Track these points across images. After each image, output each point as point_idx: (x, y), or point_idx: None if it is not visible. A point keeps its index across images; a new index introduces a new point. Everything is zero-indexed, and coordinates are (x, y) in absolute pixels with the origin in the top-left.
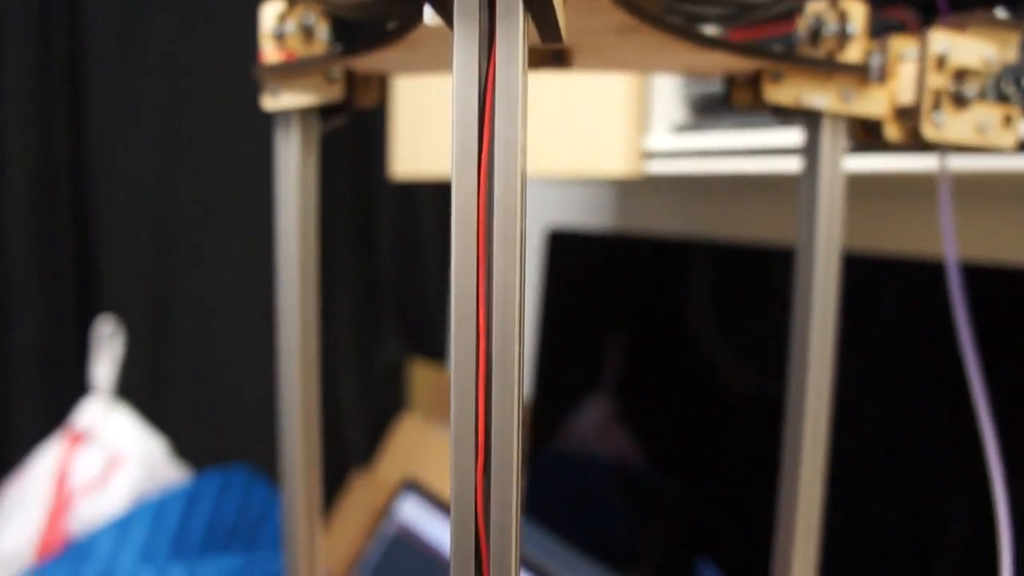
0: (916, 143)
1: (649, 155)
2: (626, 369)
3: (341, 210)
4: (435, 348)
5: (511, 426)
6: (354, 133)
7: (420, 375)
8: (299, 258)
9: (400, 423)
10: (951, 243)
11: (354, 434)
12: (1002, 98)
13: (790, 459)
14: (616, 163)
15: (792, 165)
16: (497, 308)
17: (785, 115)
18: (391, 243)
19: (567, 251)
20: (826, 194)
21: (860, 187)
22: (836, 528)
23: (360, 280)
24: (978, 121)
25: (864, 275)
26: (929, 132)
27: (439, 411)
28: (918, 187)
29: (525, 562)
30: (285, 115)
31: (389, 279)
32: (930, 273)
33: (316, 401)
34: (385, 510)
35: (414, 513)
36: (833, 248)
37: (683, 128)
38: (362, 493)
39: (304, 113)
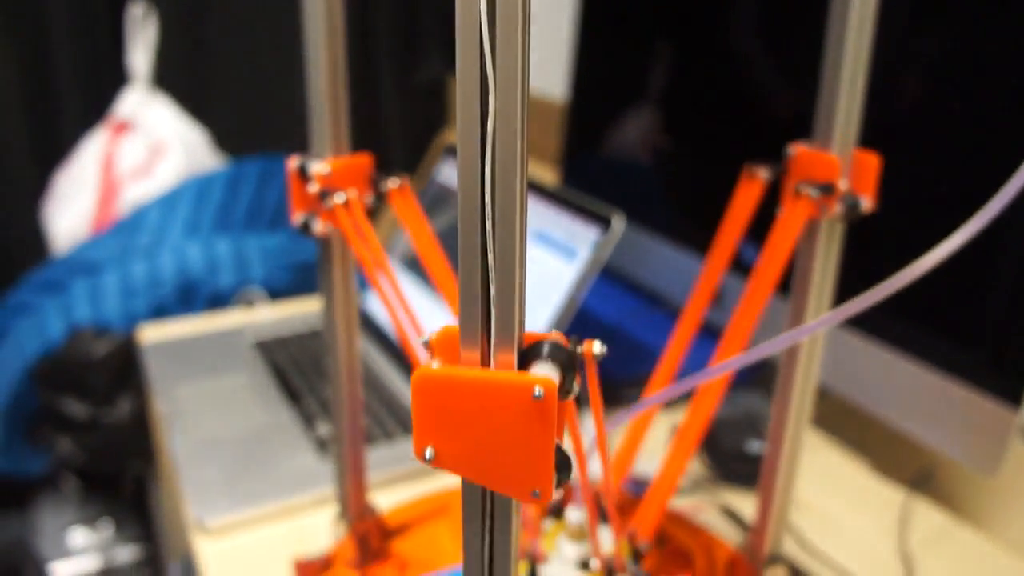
0: None
1: None
2: (667, 51)
3: None
4: None
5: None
6: None
7: None
8: None
9: (441, 138)
10: None
11: (396, 148)
12: None
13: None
14: None
15: None
16: None
17: None
18: None
19: None
20: None
21: None
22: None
23: None
24: None
25: None
26: None
27: None
28: None
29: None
30: None
31: None
32: None
33: (344, 83)
34: (425, 179)
35: (454, 174)
36: None
37: None
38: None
39: None
